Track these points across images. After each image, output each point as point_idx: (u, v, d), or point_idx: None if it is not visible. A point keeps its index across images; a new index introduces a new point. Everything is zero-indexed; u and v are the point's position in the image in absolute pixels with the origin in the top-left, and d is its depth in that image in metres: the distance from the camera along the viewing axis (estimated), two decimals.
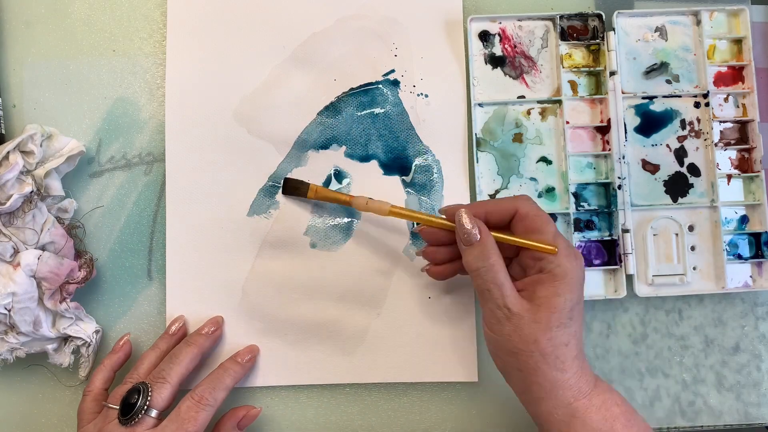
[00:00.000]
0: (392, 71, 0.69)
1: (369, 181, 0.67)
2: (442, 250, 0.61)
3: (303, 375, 0.66)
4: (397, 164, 0.68)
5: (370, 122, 0.68)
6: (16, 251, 0.61)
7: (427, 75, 0.69)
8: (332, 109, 0.68)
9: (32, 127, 0.63)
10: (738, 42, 0.69)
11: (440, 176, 0.68)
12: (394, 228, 0.67)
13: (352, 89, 0.68)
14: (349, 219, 0.67)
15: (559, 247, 0.56)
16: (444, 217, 0.60)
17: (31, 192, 0.61)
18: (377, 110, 0.68)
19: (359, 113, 0.68)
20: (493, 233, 0.57)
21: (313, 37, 0.69)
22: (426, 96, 0.68)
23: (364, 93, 0.68)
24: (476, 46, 0.69)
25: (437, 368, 0.66)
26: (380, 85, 0.68)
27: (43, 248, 0.62)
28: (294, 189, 0.66)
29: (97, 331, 0.65)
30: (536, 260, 0.56)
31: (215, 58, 0.68)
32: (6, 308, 0.60)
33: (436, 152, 0.68)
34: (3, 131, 0.66)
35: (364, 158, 0.68)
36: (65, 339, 0.64)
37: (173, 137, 0.67)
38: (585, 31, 0.69)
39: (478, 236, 0.56)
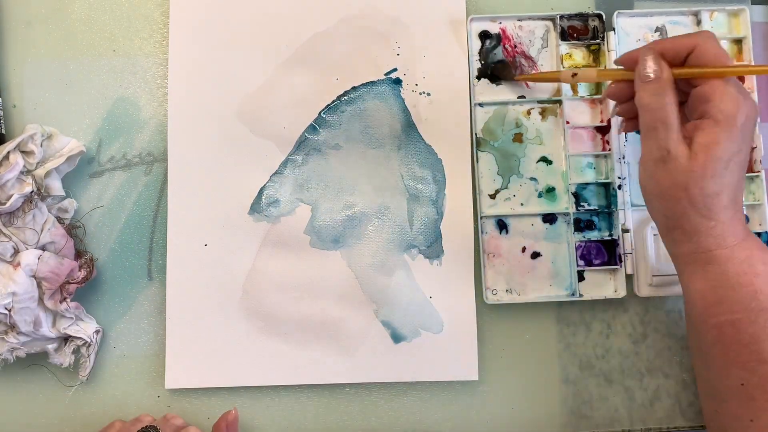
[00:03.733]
0: (394, 70, 0.69)
1: (369, 178, 0.68)
2: (632, 104, 0.58)
3: (303, 375, 0.66)
4: (399, 156, 0.68)
5: (372, 120, 0.68)
6: (17, 251, 0.61)
7: (429, 74, 0.69)
8: (334, 107, 0.68)
9: (32, 127, 0.63)
10: (738, 42, 0.69)
11: (442, 174, 0.68)
12: (395, 225, 0.67)
13: (354, 88, 0.68)
14: (350, 217, 0.67)
15: (726, 89, 0.53)
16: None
17: (32, 192, 0.61)
18: (379, 108, 0.68)
19: (361, 111, 0.68)
20: (674, 69, 0.55)
21: (316, 37, 0.69)
22: (428, 94, 0.68)
23: (366, 91, 0.68)
24: (476, 46, 0.69)
25: (438, 367, 0.66)
26: (382, 84, 0.68)
27: (43, 248, 0.62)
28: (501, 72, 0.67)
29: (97, 331, 0.65)
30: (702, 102, 0.54)
31: (218, 58, 0.68)
32: (6, 308, 0.60)
33: (438, 151, 0.68)
34: (3, 131, 0.66)
35: (366, 154, 0.68)
36: (65, 339, 0.64)
37: (175, 135, 0.67)
38: (585, 31, 0.69)
39: (657, 71, 0.54)
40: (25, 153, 0.62)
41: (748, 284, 0.53)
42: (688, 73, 0.55)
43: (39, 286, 0.62)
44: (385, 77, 0.69)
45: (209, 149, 0.67)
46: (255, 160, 0.68)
